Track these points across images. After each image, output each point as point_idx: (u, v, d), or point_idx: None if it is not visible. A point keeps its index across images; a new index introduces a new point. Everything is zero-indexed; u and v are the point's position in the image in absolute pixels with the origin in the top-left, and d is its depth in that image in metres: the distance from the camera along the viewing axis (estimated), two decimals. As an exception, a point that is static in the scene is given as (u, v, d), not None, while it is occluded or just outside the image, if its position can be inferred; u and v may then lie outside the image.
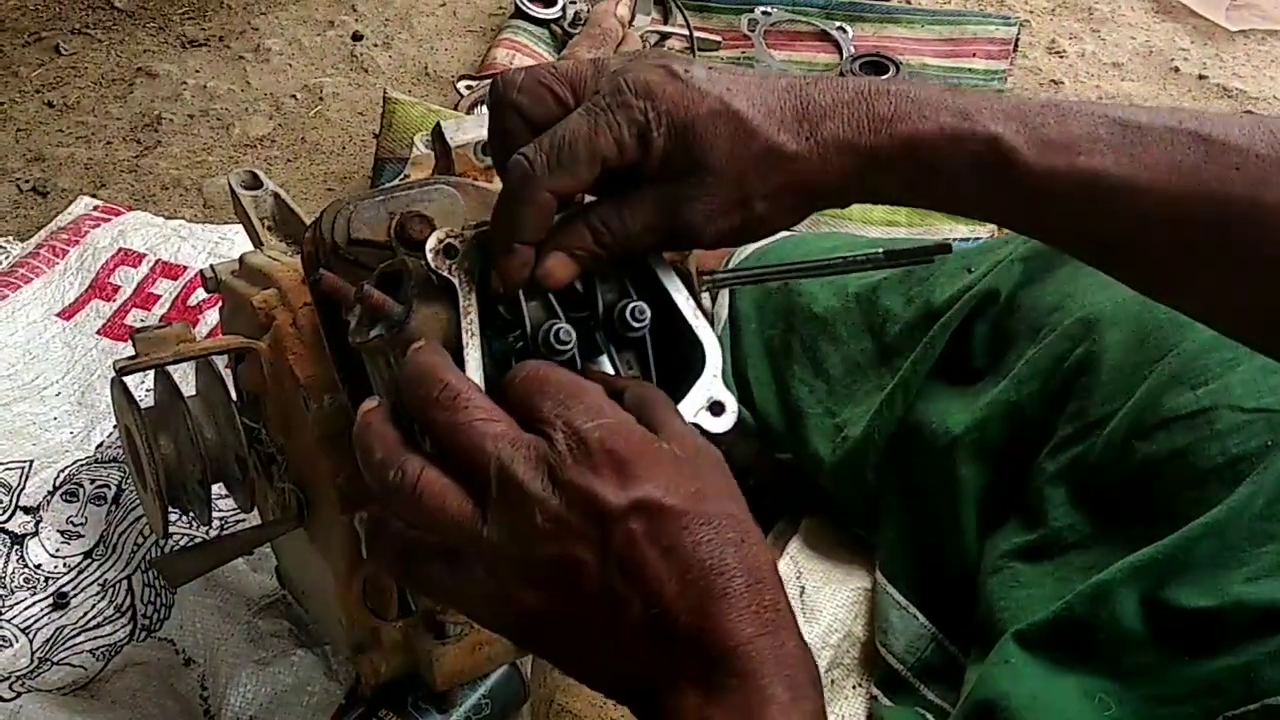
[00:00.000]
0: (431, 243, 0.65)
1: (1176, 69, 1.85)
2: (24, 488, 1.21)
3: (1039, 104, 0.65)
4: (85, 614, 1.12)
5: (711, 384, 0.67)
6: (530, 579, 0.57)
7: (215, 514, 1.11)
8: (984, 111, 0.64)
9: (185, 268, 1.44)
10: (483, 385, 0.63)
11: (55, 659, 1.08)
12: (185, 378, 0.98)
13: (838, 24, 1.90)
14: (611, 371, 0.67)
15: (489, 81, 1.71)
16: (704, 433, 0.65)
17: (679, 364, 0.68)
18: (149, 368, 0.87)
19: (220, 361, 0.93)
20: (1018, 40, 1.88)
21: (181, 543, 1.17)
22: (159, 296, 1.41)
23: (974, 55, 1.86)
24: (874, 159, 0.64)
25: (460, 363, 0.64)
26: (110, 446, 1.25)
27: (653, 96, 0.63)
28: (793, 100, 0.64)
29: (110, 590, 1.14)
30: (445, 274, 0.65)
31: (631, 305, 0.67)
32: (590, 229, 0.65)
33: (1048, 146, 0.64)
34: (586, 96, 0.65)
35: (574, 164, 0.63)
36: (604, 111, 0.64)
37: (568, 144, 0.63)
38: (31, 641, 1.10)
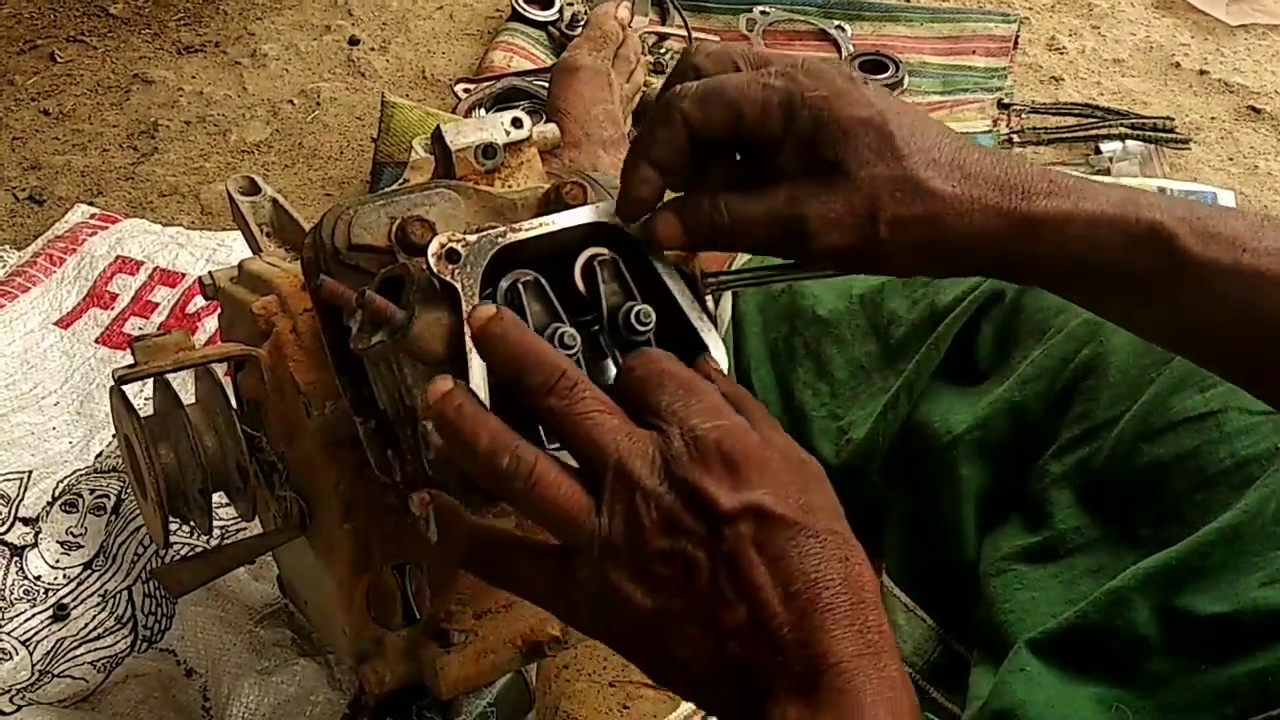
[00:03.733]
0: (433, 247, 0.64)
1: (1177, 64, 1.84)
2: (23, 499, 1.20)
3: (1200, 203, 0.65)
4: (85, 625, 1.11)
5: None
6: (640, 575, 0.57)
7: (216, 523, 1.11)
8: (1146, 201, 0.63)
9: (183, 275, 1.43)
10: (487, 392, 0.63)
11: (56, 671, 1.07)
12: (184, 386, 0.97)
13: (836, 23, 1.89)
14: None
15: (487, 84, 1.71)
16: None
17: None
18: (148, 376, 0.86)
19: (220, 369, 0.92)
20: (1018, 37, 1.88)
21: (182, 552, 1.16)
22: (157, 304, 1.40)
23: (974, 52, 1.85)
24: (1022, 226, 0.63)
25: (463, 368, 0.63)
26: (109, 456, 1.25)
27: (819, 80, 0.63)
28: (951, 148, 0.64)
29: (111, 601, 1.13)
30: (448, 278, 0.64)
31: (636, 309, 0.66)
32: (711, 207, 0.66)
33: (1212, 240, 0.63)
34: None
35: (714, 102, 0.64)
36: (766, 75, 0.64)
37: (719, 84, 0.64)
38: (32, 654, 1.09)
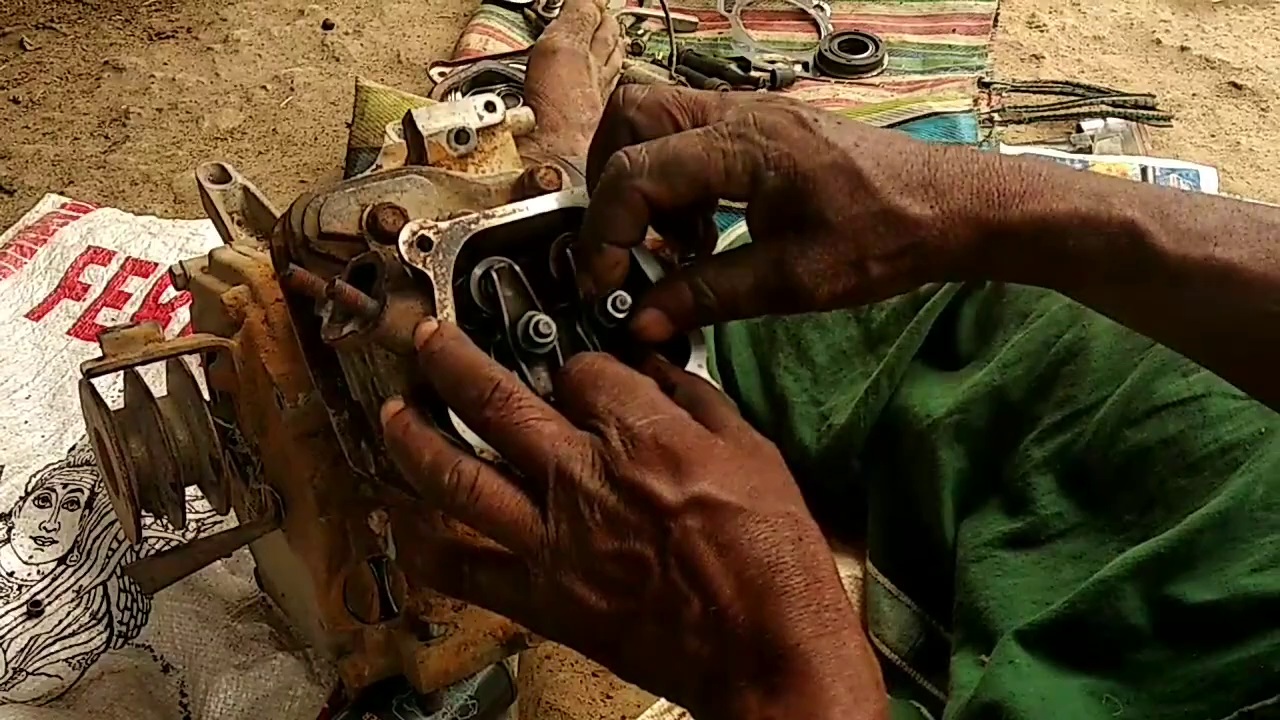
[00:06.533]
0: (405, 235, 0.63)
1: (1158, 41, 1.84)
2: (-6, 494, 1.19)
3: (1172, 193, 0.64)
4: (60, 622, 1.10)
5: (696, 374, 0.65)
6: (591, 577, 0.57)
7: (190, 517, 1.09)
8: (1119, 196, 0.63)
9: (156, 265, 1.41)
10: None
11: (30, 669, 1.06)
12: (157, 378, 0.95)
13: (815, 2, 1.88)
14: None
15: (463, 68, 1.69)
16: None
17: (662, 354, 0.66)
18: (117, 369, 0.85)
19: (192, 361, 0.91)
20: (997, 15, 1.87)
21: (157, 547, 1.15)
22: (129, 295, 1.39)
23: (953, 31, 1.84)
24: (1001, 234, 0.62)
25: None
26: (83, 449, 1.23)
27: (776, 137, 0.62)
28: (920, 166, 0.62)
29: (85, 597, 1.11)
30: (420, 266, 0.63)
31: (613, 294, 0.65)
32: (693, 289, 0.64)
33: (1184, 235, 0.62)
34: (707, 125, 0.63)
35: (675, 175, 0.62)
36: (722, 138, 0.62)
37: (675, 154, 0.62)
38: (5, 652, 1.07)
